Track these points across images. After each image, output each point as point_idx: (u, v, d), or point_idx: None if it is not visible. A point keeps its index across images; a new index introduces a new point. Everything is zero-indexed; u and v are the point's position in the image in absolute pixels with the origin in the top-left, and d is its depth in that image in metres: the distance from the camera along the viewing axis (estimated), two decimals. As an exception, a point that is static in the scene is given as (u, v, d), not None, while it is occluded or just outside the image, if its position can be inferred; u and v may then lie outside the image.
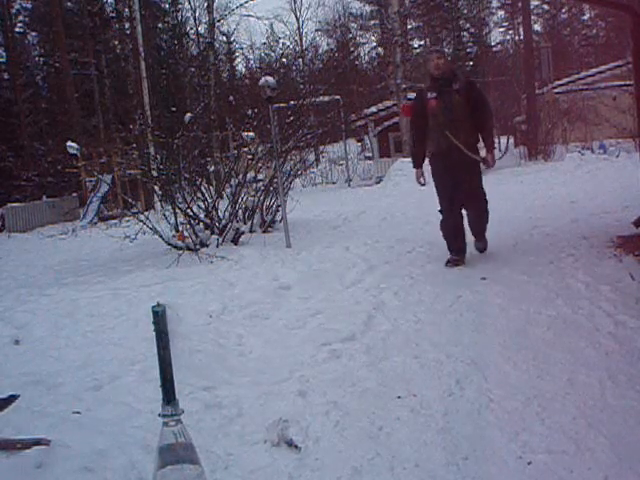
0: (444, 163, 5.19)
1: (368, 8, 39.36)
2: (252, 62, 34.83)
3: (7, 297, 5.89)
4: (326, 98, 14.51)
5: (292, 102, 10.43)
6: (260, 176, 8.86)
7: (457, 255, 5.29)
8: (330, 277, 5.19)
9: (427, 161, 5.48)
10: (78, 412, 2.83)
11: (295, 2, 37.53)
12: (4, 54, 25.21)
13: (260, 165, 8.77)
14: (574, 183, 11.31)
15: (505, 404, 2.57)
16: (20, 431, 2.59)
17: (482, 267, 5.11)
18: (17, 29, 27.17)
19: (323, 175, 19.70)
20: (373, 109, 21.53)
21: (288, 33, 46.13)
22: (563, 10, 42.75)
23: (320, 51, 38.35)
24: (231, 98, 10.74)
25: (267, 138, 8.60)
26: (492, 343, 3.30)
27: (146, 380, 3.10)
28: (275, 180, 8.20)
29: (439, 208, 5.37)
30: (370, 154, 23.02)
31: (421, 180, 5.43)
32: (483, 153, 5.35)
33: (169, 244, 7.61)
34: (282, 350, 3.51)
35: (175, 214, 7.90)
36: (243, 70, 34.12)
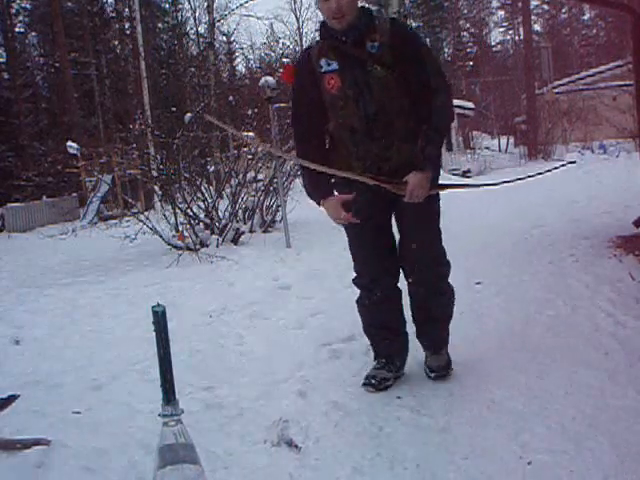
0: (361, 200, 2.66)
1: (368, 8, 39.28)
2: (252, 62, 34.83)
3: (7, 297, 5.90)
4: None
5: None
6: (260, 176, 8.87)
7: (384, 364, 2.88)
8: (330, 277, 5.19)
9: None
10: (78, 412, 2.84)
11: (295, 2, 37.59)
12: (4, 54, 25.23)
13: (260, 165, 8.77)
14: (574, 183, 11.31)
15: (505, 404, 2.57)
16: (20, 431, 2.59)
17: (481, 267, 5.11)
18: (17, 29, 27.17)
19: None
20: None
21: (288, 33, 46.12)
22: (563, 10, 42.79)
23: (320, 51, 38.27)
24: (231, 98, 10.72)
25: (267, 138, 8.61)
26: (492, 343, 3.30)
27: (146, 380, 3.10)
28: (275, 180, 8.20)
29: (354, 275, 2.93)
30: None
31: (342, 217, 2.64)
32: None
33: (169, 244, 7.62)
34: (282, 350, 3.51)
35: (175, 214, 7.91)
36: (243, 70, 34.13)
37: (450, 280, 2.87)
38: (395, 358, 2.90)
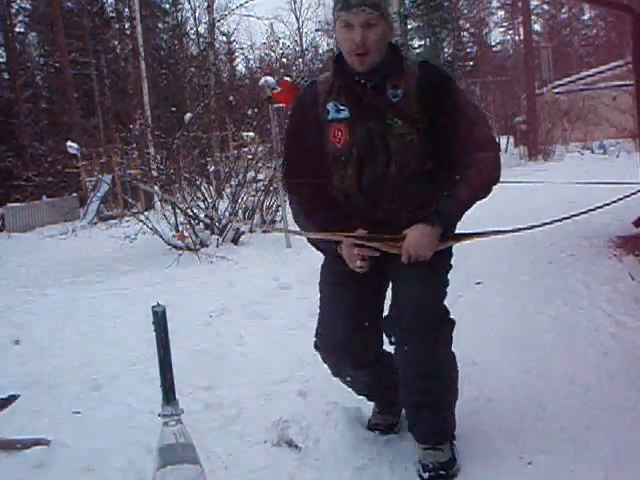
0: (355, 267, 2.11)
1: (368, 8, 39.33)
2: (252, 62, 34.82)
3: (7, 297, 5.91)
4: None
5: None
6: (260, 176, 8.88)
7: (385, 405, 2.43)
8: (330, 277, 5.19)
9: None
10: (78, 412, 2.84)
11: (295, 2, 37.58)
12: (4, 54, 25.24)
13: (260, 165, 8.78)
14: (574, 183, 11.28)
15: (505, 404, 2.57)
16: (20, 431, 2.59)
17: (481, 267, 5.11)
18: (17, 29, 27.17)
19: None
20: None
21: (288, 33, 46.14)
22: (563, 10, 42.81)
23: (320, 51, 38.37)
24: (231, 98, 10.73)
25: (267, 138, 8.61)
26: (492, 343, 3.30)
27: (146, 380, 3.10)
28: (275, 180, 8.20)
29: (314, 339, 2.25)
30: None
31: (358, 264, 2.06)
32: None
33: (169, 244, 7.62)
34: (282, 350, 3.51)
35: (175, 214, 7.92)
36: (243, 70, 34.13)
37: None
38: (397, 401, 2.33)
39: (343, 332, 2.11)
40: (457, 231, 2.15)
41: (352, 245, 2.04)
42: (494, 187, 2.10)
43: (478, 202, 2.09)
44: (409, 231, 2.00)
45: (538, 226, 2.36)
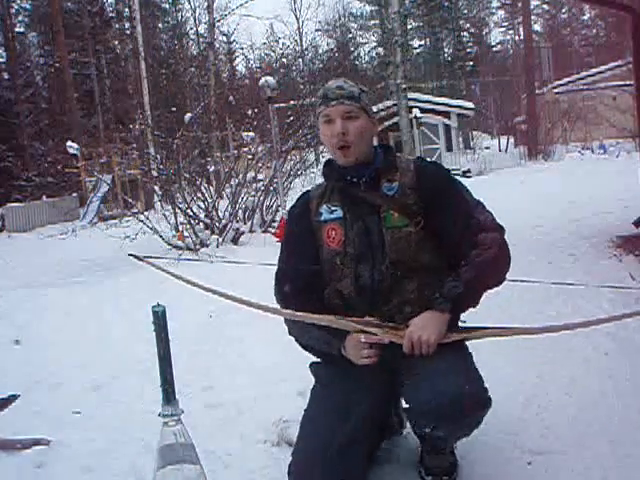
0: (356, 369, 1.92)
1: (368, 8, 39.50)
2: (252, 62, 34.84)
3: (7, 297, 5.90)
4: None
5: (292, 102, 10.45)
6: (260, 176, 8.89)
7: None
8: (330, 277, 5.18)
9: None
10: (78, 412, 2.84)
11: (295, 2, 37.59)
12: (4, 54, 25.27)
13: (260, 165, 8.78)
14: (574, 183, 11.32)
15: (505, 404, 2.56)
16: (20, 431, 2.59)
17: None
18: (17, 29, 27.19)
19: (323, 175, 19.72)
20: (373, 109, 21.48)
21: (288, 33, 46.13)
22: (563, 10, 42.85)
23: (320, 51, 38.42)
24: (231, 98, 10.75)
25: (267, 138, 8.63)
26: (492, 343, 3.29)
27: (146, 380, 3.10)
28: (275, 180, 8.21)
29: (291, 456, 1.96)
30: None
31: (365, 353, 1.86)
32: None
33: (169, 244, 7.62)
34: (282, 350, 3.50)
35: (175, 214, 7.92)
36: (243, 70, 34.14)
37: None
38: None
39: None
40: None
41: (357, 332, 1.87)
42: (505, 273, 2.05)
43: (489, 288, 2.02)
44: (413, 319, 1.87)
45: (571, 327, 2.14)
